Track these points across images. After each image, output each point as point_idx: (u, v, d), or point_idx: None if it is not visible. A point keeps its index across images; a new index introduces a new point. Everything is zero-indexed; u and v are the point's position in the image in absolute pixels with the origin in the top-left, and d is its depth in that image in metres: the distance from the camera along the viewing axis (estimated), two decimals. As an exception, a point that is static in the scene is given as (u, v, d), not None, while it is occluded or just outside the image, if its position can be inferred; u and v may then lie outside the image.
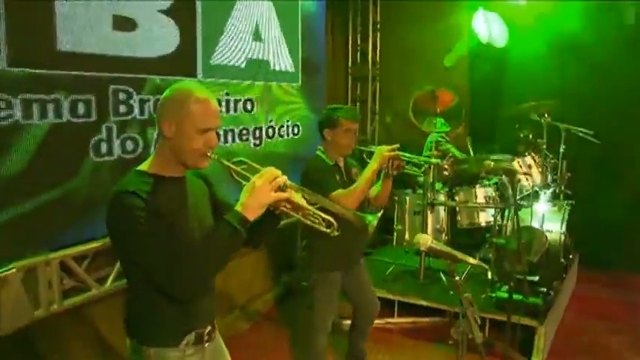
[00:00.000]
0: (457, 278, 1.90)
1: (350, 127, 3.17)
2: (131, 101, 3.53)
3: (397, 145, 3.15)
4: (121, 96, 3.46)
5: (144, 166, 1.92)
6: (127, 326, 1.98)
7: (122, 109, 3.47)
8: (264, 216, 1.91)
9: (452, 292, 4.52)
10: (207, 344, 2.02)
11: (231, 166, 1.94)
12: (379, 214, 2.10)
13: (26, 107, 2.91)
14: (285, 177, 1.86)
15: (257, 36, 4.74)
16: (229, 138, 4.49)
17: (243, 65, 4.61)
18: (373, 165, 3.08)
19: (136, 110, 3.57)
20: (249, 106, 4.70)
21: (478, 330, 1.85)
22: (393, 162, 3.13)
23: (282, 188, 1.84)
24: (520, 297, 3.89)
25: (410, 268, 5.21)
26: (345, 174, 3.30)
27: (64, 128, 3.12)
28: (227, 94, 4.44)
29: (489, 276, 1.69)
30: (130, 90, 3.51)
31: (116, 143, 3.44)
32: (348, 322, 3.73)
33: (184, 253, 1.75)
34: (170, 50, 3.80)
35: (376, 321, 4.61)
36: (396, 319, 4.77)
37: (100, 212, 3.24)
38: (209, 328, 2.04)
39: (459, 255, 1.89)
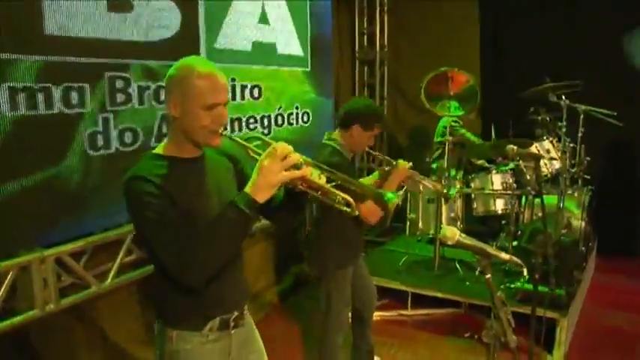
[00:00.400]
0: (489, 276, 1.71)
1: (377, 132, 3.14)
2: (129, 89, 3.31)
3: (411, 164, 3.20)
4: (118, 84, 3.24)
5: (159, 149, 1.87)
6: (154, 307, 1.98)
7: (119, 97, 3.25)
8: (287, 195, 1.89)
9: (468, 283, 4.42)
10: (233, 331, 1.97)
11: (244, 143, 1.83)
12: (400, 193, 1.93)
13: (12, 97, 2.70)
14: (298, 154, 1.72)
15: (263, 18, 4.51)
16: (236, 127, 4.29)
17: (249, 49, 4.38)
18: (396, 180, 3.10)
19: (135, 99, 3.35)
20: (256, 93, 4.49)
21: (512, 333, 1.67)
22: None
23: (297, 166, 1.71)
24: (546, 289, 3.69)
25: (424, 257, 5.07)
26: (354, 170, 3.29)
27: (56, 119, 2.91)
28: (233, 80, 4.22)
29: (525, 273, 1.53)
30: (128, 77, 3.30)
31: (113, 135, 3.24)
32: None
33: (192, 240, 1.67)
34: (171, 33, 3.57)
35: (389, 313, 4.59)
36: (409, 311, 4.65)
37: (97, 206, 3.15)
38: (235, 314, 1.97)
39: (491, 250, 1.70)
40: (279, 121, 4.79)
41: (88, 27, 3.02)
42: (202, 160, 1.91)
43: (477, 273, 4.47)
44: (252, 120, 4.46)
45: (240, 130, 4.32)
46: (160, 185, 1.70)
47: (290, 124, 4.94)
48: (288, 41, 4.89)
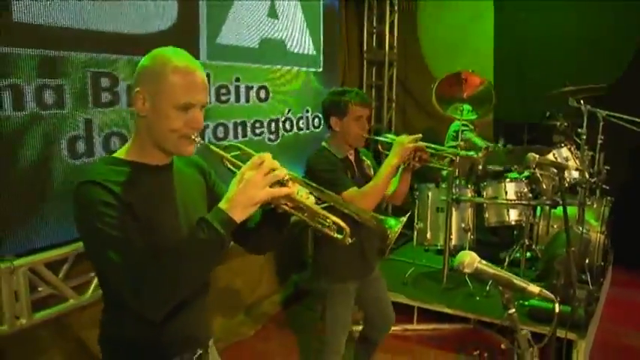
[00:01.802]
0: (513, 311, 1.45)
1: (361, 113, 2.77)
2: (116, 88, 3.04)
3: (420, 135, 2.73)
4: (104, 82, 2.96)
5: (120, 152, 1.62)
6: (100, 347, 1.68)
7: (105, 97, 2.98)
8: (266, 215, 1.67)
9: (478, 298, 4.18)
10: None
11: (221, 153, 1.62)
12: (403, 219, 1.69)
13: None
14: (285, 170, 1.50)
15: (272, 12, 4.25)
16: (239, 132, 4.01)
17: (256, 46, 4.11)
18: (393, 159, 2.65)
19: (123, 99, 3.08)
20: (263, 95, 4.22)
21: (539, 378, 1.41)
22: (415, 154, 2.73)
23: (281, 182, 1.49)
24: (569, 309, 3.42)
25: (431, 269, 4.84)
26: (356, 169, 2.88)
27: (28, 122, 2.62)
28: (237, 79, 3.95)
29: (557, 309, 1.33)
30: (115, 74, 3.03)
31: (98, 140, 2.95)
32: (359, 328, 3.38)
33: (153, 262, 1.41)
34: (166, 25, 3.31)
35: (393, 328, 4.28)
36: (415, 326, 4.41)
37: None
38: (199, 352, 1.74)
39: (517, 280, 1.44)
40: (288, 126, 4.54)
41: (67, 15, 2.74)
42: (170, 169, 1.67)
43: (487, 287, 4.22)
44: (257, 124, 4.20)
45: (244, 136, 4.04)
46: (119, 194, 1.46)
47: (300, 129, 4.68)
48: (300, 38, 4.63)
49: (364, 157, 2.98)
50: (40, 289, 2.81)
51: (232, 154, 1.64)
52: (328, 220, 1.57)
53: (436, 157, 2.85)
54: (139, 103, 1.55)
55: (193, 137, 1.55)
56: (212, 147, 1.61)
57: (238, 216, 1.44)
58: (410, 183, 2.91)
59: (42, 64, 2.66)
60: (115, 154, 1.62)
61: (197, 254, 1.42)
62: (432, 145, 2.82)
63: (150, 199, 1.55)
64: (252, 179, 1.43)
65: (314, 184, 1.63)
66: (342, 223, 1.57)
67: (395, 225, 1.68)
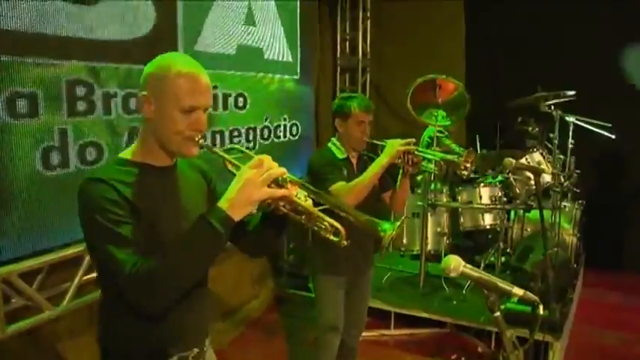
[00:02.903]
0: (498, 314, 1.47)
1: (362, 118, 2.93)
2: (92, 97, 2.97)
3: (412, 140, 2.85)
4: (79, 90, 2.89)
5: (126, 153, 1.67)
6: (99, 345, 1.71)
7: (80, 106, 2.90)
8: (265, 219, 1.72)
9: (454, 302, 4.21)
10: None
11: (223, 154, 1.66)
12: (398, 224, 1.71)
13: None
14: (283, 169, 1.53)
15: (249, 18, 4.22)
16: (217, 140, 3.97)
17: (233, 53, 4.08)
18: (383, 159, 2.77)
19: (99, 108, 3.01)
20: (240, 102, 4.18)
21: (524, 380, 1.43)
22: (408, 157, 2.83)
23: (279, 183, 1.52)
24: (546, 312, 3.47)
25: (408, 274, 4.85)
26: (356, 169, 2.99)
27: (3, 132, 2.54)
28: (215, 87, 3.89)
29: (541, 311, 1.35)
30: (91, 82, 2.96)
31: (73, 151, 2.87)
32: None
33: (150, 258, 1.45)
34: (143, 32, 3.26)
35: (370, 333, 4.37)
36: (392, 331, 4.43)
37: (55, 221, 2.81)
38: (196, 351, 1.75)
39: (501, 284, 1.46)
40: (266, 134, 4.50)
41: (41, 21, 2.65)
42: (174, 170, 1.71)
43: (464, 291, 4.27)
44: (235, 133, 4.15)
45: (222, 144, 3.99)
46: (122, 192, 1.50)
47: (277, 137, 4.65)
48: (277, 45, 4.61)
49: (369, 161, 3.06)
50: (13, 300, 2.74)
51: (233, 156, 1.67)
52: (325, 223, 1.60)
53: (426, 160, 2.96)
54: (145, 106, 1.58)
55: (197, 139, 1.58)
56: (215, 149, 1.65)
57: (236, 214, 1.46)
58: (409, 190, 3.05)
59: (14, 71, 2.57)
60: (121, 155, 1.66)
61: (194, 250, 1.46)
62: (421, 149, 2.94)
63: (154, 199, 1.59)
64: (250, 179, 1.47)
65: (312, 188, 1.64)
66: (338, 226, 1.59)
67: (389, 228, 1.69)
